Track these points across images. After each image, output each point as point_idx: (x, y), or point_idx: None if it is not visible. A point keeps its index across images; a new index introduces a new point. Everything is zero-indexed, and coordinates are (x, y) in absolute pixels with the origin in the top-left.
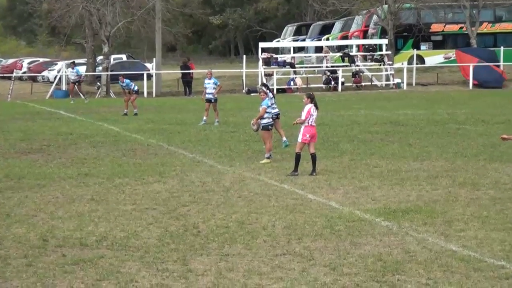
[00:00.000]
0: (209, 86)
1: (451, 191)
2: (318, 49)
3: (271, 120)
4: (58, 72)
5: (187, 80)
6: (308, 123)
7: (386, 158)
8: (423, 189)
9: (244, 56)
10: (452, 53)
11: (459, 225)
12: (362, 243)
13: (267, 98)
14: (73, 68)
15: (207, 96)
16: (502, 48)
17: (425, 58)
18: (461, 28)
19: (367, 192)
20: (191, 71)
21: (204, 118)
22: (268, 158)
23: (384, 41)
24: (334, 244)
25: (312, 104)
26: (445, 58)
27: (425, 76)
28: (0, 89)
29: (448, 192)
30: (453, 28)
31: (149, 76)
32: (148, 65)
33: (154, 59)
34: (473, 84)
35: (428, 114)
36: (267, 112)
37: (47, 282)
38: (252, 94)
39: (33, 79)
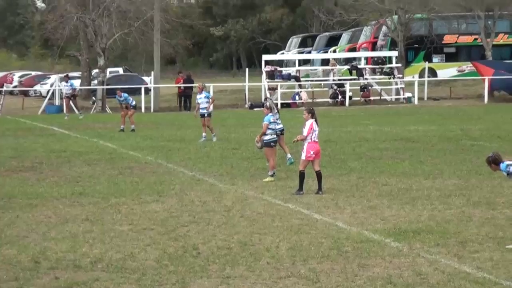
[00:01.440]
0: (202, 101)
1: (465, 210)
2: (325, 62)
3: (274, 136)
4: (51, 86)
5: (188, 94)
6: (311, 139)
7: (396, 176)
8: (435, 208)
9: (247, 69)
10: (466, 66)
11: (474, 246)
12: (371, 265)
13: (270, 114)
14: (67, 82)
15: (200, 111)
16: None
17: (437, 71)
18: (475, 39)
19: (376, 212)
20: (193, 85)
21: (204, 134)
22: (271, 176)
23: (394, 53)
24: (341, 266)
25: (313, 119)
26: (458, 71)
27: (437, 90)
28: None
29: (462, 211)
30: (467, 39)
31: (147, 90)
32: (146, 78)
33: (152, 72)
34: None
35: (440, 130)
36: (270, 129)
37: None
38: (255, 109)
39: (25, 94)
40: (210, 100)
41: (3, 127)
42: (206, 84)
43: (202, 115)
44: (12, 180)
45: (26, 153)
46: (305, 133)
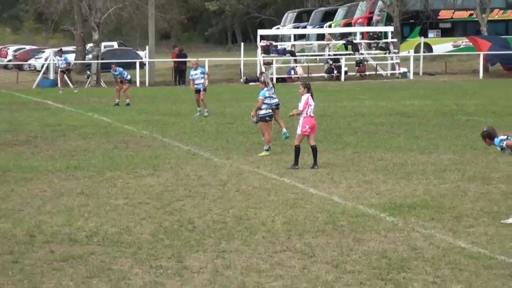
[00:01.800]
0: (197, 76)
1: (460, 185)
2: (320, 37)
3: (269, 111)
4: (46, 60)
5: (181, 69)
6: (306, 113)
7: (392, 151)
8: (431, 183)
9: (242, 44)
10: (461, 41)
11: (469, 221)
12: (366, 239)
13: (265, 88)
14: (61, 56)
15: (196, 86)
16: None
17: (433, 46)
18: (471, 15)
19: (371, 186)
20: (186, 59)
21: (199, 109)
22: (267, 150)
23: (390, 29)
24: (336, 241)
25: (309, 94)
26: (454, 46)
27: (433, 65)
28: None
29: (457, 186)
30: (462, 15)
31: (142, 65)
32: (140, 53)
33: (147, 46)
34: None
35: (435, 105)
36: (265, 103)
37: (34, 280)
38: (251, 84)
39: (19, 68)
40: (206, 75)
41: None
42: (201, 59)
43: (198, 90)
44: (7, 154)
45: (20, 127)
46: (300, 108)
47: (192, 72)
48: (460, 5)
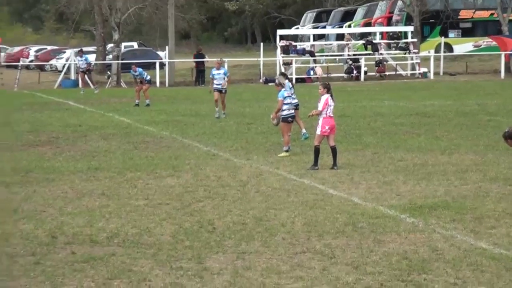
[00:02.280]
0: (219, 76)
1: (482, 186)
2: (340, 37)
3: (292, 111)
4: (67, 60)
5: (200, 69)
6: (326, 114)
7: (412, 151)
8: (452, 184)
9: (262, 44)
10: (482, 41)
11: (490, 222)
12: (386, 240)
13: (283, 89)
14: (81, 56)
15: (216, 86)
16: None
17: (454, 46)
18: (491, 14)
19: (391, 187)
20: (205, 59)
21: (217, 109)
22: (286, 151)
23: (410, 28)
24: (356, 242)
25: (329, 94)
26: (474, 46)
27: (453, 65)
28: (6, 79)
29: (479, 187)
30: (483, 14)
31: (162, 65)
32: (160, 53)
33: (166, 47)
34: None
35: (456, 105)
36: (286, 104)
37: (56, 281)
38: (270, 84)
39: (41, 68)
40: (227, 78)
41: (20, 101)
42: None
43: (220, 90)
44: (29, 155)
45: (42, 127)
46: (320, 108)
47: (214, 72)
48: (480, 5)
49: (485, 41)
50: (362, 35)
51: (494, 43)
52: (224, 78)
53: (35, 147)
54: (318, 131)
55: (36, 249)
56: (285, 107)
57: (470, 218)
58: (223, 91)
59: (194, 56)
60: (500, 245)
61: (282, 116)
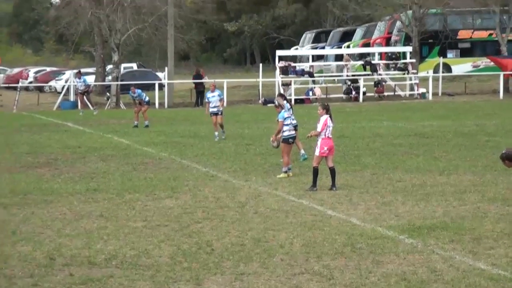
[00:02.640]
0: (214, 99)
1: (480, 206)
2: (338, 57)
3: (292, 132)
4: (66, 82)
5: (199, 90)
6: (325, 135)
7: (410, 172)
8: (450, 204)
9: (261, 64)
10: (481, 61)
11: (489, 243)
12: (385, 261)
13: (282, 111)
14: (79, 78)
15: (212, 110)
16: None
17: (452, 67)
18: (490, 34)
19: (390, 208)
20: (203, 80)
21: (216, 133)
22: (285, 172)
23: (408, 49)
24: (355, 263)
25: (328, 115)
26: (473, 67)
27: (452, 86)
28: (5, 100)
29: (477, 207)
30: (482, 34)
31: (161, 86)
32: (160, 74)
33: (166, 68)
34: None
35: (455, 125)
36: (286, 125)
37: None
38: (269, 105)
39: (40, 89)
40: (222, 100)
41: (19, 123)
42: (220, 80)
43: (216, 113)
44: (28, 176)
45: (41, 149)
46: (319, 129)
47: (209, 95)
48: (479, 25)
49: (483, 62)
50: (361, 56)
51: (492, 63)
52: (219, 100)
53: (34, 169)
54: (317, 152)
55: (34, 270)
56: (285, 128)
57: (468, 239)
58: (219, 113)
59: (193, 77)
60: (499, 265)
61: (283, 137)
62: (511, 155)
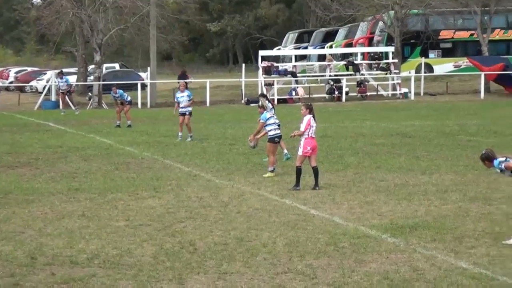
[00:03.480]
0: (183, 99)
1: (462, 206)
2: (321, 57)
3: (278, 131)
4: (47, 82)
5: None
6: (308, 135)
7: (393, 171)
8: (432, 204)
9: (243, 64)
10: (462, 61)
11: (470, 242)
12: (368, 260)
13: (265, 111)
14: (61, 78)
15: (181, 110)
16: None
17: (434, 67)
18: (471, 35)
19: (372, 207)
20: (188, 80)
21: (180, 133)
22: (271, 171)
23: (391, 49)
24: (338, 262)
25: (311, 115)
26: (455, 67)
27: (434, 86)
28: None
29: (459, 207)
30: (463, 35)
31: (143, 86)
32: (142, 74)
33: (148, 68)
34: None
35: (437, 125)
36: (270, 124)
37: None
38: (252, 105)
39: (21, 89)
40: (191, 100)
41: None
42: (203, 80)
43: (183, 114)
44: (8, 176)
45: (22, 148)
46: (302, 129)
47: (178, 95)
48: (460, 25)
49: (465, 62)
50: (344, 56)
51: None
52: (188, 101)
53: (14, 169)
54: (300, 152)
55: (15, 270)
56: (270, 127)
57: (450, 238)
58: (187, 113)
59: (178, 77)
60: (480, 264)
61: (269, 136)
62: (491, 155)
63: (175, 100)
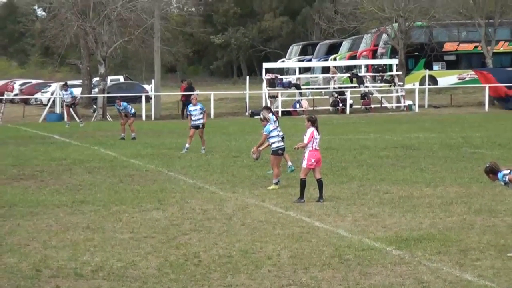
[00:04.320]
0: (196, 112)
1: (466, 218)
2: (325, 70)
3: (281, 144)
4: (52, 94)
5: (189, 102)
6: (312, 147)
7: (397, 183)
8: (437, 216)
9: (247, 77)
10: (466, 74)
11: (475, 254)
12: (373, 273)
13: (268, 124)
14: (66, 90)
15: (193, 122)
16: None
17: (438, 79)
18: (476, 47)
19: (377, 220)
20: (194, 93)
21: (187, 145)
22: (276, 184)
23: (395, 61)
24: (342, 274)
25: (314, 127)
26: (459, 79)
27: (438, 98)
28: None
29: (463, 219)
30: (467, 47)
31: (148, 99)
32: (146, 86)
33: (152, 80)
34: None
35: (441, 137)
36: (274, 137)
37: None
38: (256, 117)
39: (25, 102)
40: (205, 113)
41: (4, 135)
42: (207, 92)
43: (196, 126)
44: (13, 188)
45: (27, 161)
46: (305, 141)
47: (191, 108)
48: (465, 38)
49: (469, 74)
50: (348, 68)
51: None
52: (201, 113)
53: (19, 181)
54: (304, 164)
55: (20, 282)
56: (274, 140)
57: (455, 250)
58: (200, 126)
59: (184, 89)
60: (485, 277)
61: (273, 149)
62: (495, 168)
63: (188, 113)
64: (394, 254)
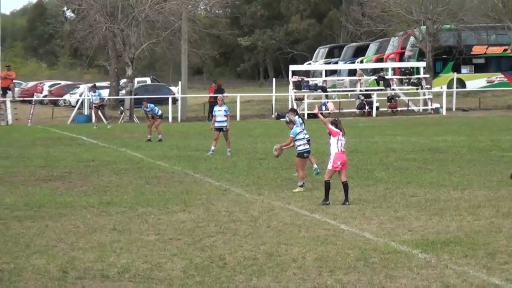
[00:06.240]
0: (220, 114)
1: (494, 221)
2: (352, 72)
3: (307, 147)
4: (80, 95)
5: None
6: (338, 149)
7: (424, 187)
8: (464, 219)
9: (274, 79)
10: (495, 77)
11: (503, 258)
12: (398, 276)
13: (295, 126)
14: (94, 92)
15: (217, 124)
16: None
17: (466, 82)
18: (505, 50)
19: (403, 223)
20: (225, 94)
21: (212, 148)
22: (301, 186)
23: (422, 64)
24: (368, 277)
25: (338, 129)
26: (488, 82)
27: (466, 101)
28: (20, 114)
29: (491, 222)
30: (496, 50)
31: (174, 100)
32: (173, 88)
33: (179, 82)
34: None
35: (469, 141)
36: (300, 139)
37: None
38: (282, 120)
39: (54, 103)
40: (228, 116)
41: (33, 136)
42: (233, 94)
43: (220, 129)
44: (42, 189)
45: (55, 162)
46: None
47: (216, 108)
48: (494, 41)
49: (498, 77)
50: (374, 71)
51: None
52: (225, 116)
53: (48, 182)
54: (330, 166)
55: (47, 283)
56: (299, 142)
57: (482, 254)
58: (224, 129)
59: (214, 91)
60: None
61: (298, 151)
62: None
63: (213, 113)
64: (420, 257)
